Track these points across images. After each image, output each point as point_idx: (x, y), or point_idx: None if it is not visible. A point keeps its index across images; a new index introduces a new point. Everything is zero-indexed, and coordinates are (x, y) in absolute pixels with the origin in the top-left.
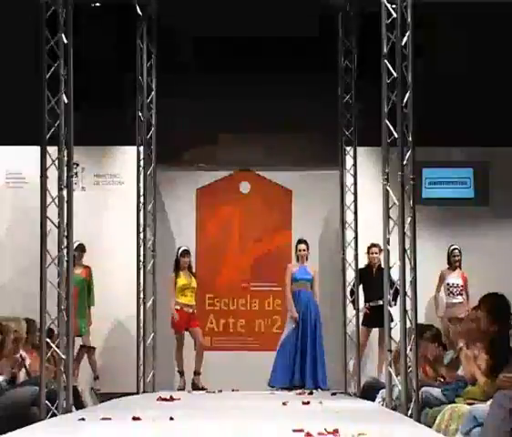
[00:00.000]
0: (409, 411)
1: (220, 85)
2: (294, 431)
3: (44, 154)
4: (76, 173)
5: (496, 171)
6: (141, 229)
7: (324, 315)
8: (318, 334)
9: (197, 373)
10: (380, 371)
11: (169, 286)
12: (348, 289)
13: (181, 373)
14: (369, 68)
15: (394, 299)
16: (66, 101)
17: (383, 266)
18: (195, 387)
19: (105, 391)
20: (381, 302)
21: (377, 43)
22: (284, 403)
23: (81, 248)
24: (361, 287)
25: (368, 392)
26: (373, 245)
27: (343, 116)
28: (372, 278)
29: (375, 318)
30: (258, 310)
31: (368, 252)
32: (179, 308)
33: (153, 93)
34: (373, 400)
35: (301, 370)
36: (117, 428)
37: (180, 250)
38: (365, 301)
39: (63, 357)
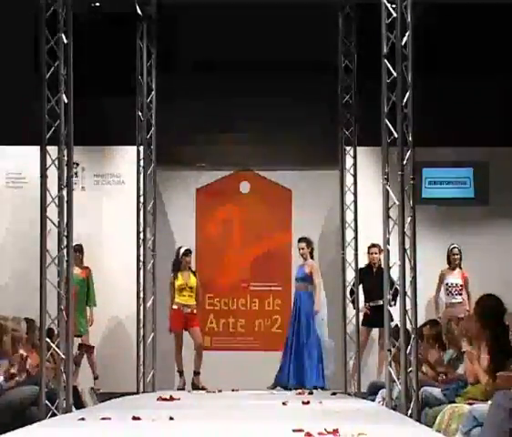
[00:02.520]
0: (409, 411)
1: (220, 84)
2: (294, 431)
3: (44, 154)
4: (76, 173)
5: (496, 171)
6: (141, 229)
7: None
8: (313, 334)
9: (196, 373)
10: (380, 372)
11: (169, 286)
12: (348, 289)
13: (181, 373)
14: (369, 68)
15: (394, 299)
16: (66, 101)
17: (383, 266)
18: (195, 387)
19: (105, 391)
20: (381, 302)
21: (377, 43)
22: (284, 403)
23: (79, 249)
24: (361, 287)
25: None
26: (374, 245)
27: (342, 116)
28: (372, 278)
29: (375, 318)
30: (258, 310)
31: (368, 252)
32: (176, 308)
33: (153, 93)
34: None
35: (297, 369)
36: (117, 428)
37: (183, 250)
38: (365, 301)
39: (63, 357)
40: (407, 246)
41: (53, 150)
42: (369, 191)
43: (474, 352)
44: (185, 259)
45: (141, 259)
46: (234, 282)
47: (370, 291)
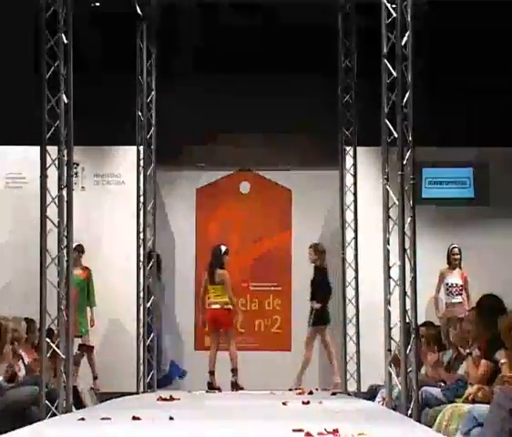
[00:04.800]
0: (409, 411)
1: (220, 85)
2: (294, 431)
3: (44, 154)
4: (76, 173)
5: (496, 171)
6: (141, 229)
7: None
8: None
9: (234, 371)
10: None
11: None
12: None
13: (211, 373)
14: (369, 68)
15: (325, 299)
16: (66, 101)
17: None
18: (235, 387)
19: (105, 391)
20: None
21: (377, 43)
22: (284, 403)
23: (80, 249)
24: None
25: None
26: (310, 246)
27: (343, 116)
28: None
29: (314, 318)
30: (258, 310)
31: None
32: (219, 307)
33: (153, 93)
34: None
35: None
36: (117, 428)
37: (224, 249)
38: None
39: (63, 357)
40: (407, 246)
41: (53, 150)
42: (369, 191)
43: (475, 353)
44: (225, 257)
45: (141, 258)
46: (234, 282)
47: (312, 292)
